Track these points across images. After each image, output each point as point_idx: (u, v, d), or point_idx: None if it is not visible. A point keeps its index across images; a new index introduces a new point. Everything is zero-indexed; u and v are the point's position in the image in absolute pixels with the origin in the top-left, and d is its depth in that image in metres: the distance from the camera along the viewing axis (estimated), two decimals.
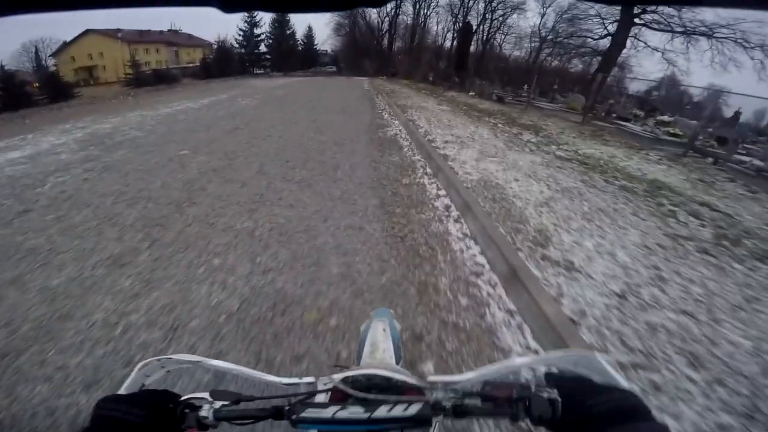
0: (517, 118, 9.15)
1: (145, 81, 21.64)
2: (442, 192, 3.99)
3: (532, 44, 30.15)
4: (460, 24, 31.93)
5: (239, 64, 34.64)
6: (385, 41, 40.82)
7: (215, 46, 33.88)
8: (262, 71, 38.70)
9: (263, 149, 5.78)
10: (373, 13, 39.89)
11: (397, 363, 0.91)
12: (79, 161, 4.93)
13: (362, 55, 39.23)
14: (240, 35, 39.74)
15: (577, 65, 27.47)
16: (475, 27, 30.86)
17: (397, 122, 8.35)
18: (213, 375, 1.45)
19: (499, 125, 7.95)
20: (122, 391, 0.52)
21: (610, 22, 21.80)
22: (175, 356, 0.59)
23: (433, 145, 5.67)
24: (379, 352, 0.88)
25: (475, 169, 4.46)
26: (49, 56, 37.11)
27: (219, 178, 4.25)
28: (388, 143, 6.23)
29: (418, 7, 36.85)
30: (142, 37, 36.86)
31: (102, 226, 3.04)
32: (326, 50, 48.25)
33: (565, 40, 26.02)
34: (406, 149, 5.87)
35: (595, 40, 23.81)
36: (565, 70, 27.13)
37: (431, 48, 35.82)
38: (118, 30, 35.63)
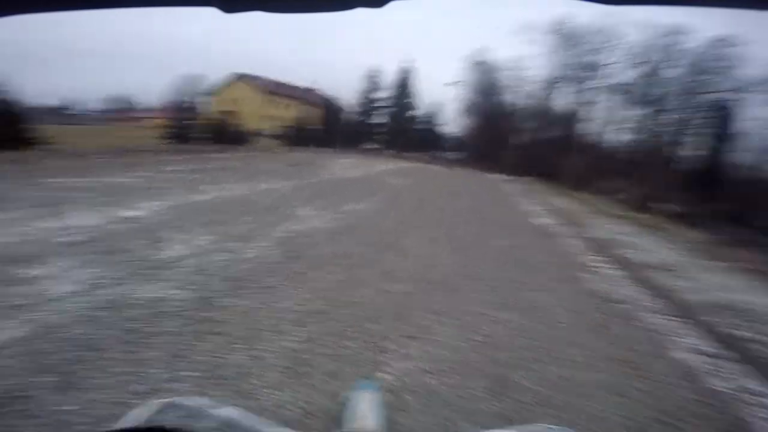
0: None
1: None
2: None
3: None
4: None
5: (349, 133, 30.52)
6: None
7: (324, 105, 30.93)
8: (370, 145, 32.80)
9: None
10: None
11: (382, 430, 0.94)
12: None
13: (500, 142, 28.82)
14: (360, 97, 33.88)
15: None
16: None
17: None
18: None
19: None
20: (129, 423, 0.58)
21: None
22: (184, 403, 0.63)
23: None
24: (365, 421, 0.91)
25: None
26: (204, 94, 41.67)
27: None
28: None
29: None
30: (279, 90, 37.32)
31: None
32: (451, 132, 39.48)
33: None
34: None
35: None
36: None
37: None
38: (257, 77, 36.90)
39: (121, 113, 38.96)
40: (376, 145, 33.27)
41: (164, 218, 6.47)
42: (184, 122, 20.96)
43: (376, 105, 35.61)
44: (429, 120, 37.82)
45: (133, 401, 2.39)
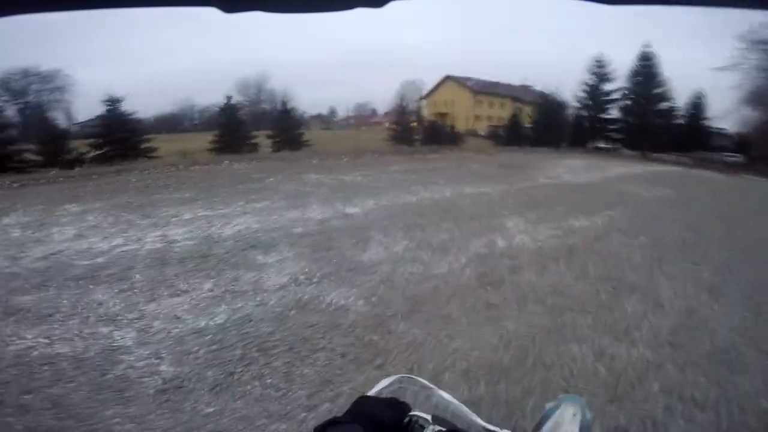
0: None
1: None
2: None
3: None
4: None
5: (572, 130, 26.63)
6: None
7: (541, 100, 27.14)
8: (604, 145, 27.87)
9: None
10: None
11: None
12: None
13: None
14: (586, 89, 28.35)
15: None
16: None
17: None
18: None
19: None
20: (373, 393, 0.76)
21: None
22: (416, 378, 0.85)
23: None
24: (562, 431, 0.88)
25: None
26: (421, 98, 45.07)
27: None
28: None
29: None
30: (490, 89, 35.90)
31: None
32: (724, 128, 29.69)
33: None
34: None
35: None
36: None
37: None
38: (469, 78, 36.28)
39: (362, 119, 46.68)
40: (608, 145, 27.66)
41: (375, 217, 6.74)
42: (405, 125, 22.98)
43: (608, 98, 29.19)
44: (690, 114, 28.88)
45: (259, 423, 2.20)
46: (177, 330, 3.33)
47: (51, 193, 9.61)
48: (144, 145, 16.39)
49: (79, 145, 15.86)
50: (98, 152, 15.69)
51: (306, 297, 3.88)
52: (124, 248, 5.37)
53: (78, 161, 15.29)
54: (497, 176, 12.10)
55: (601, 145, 27.50)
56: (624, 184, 11.51)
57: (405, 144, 21.79)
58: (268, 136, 18.50)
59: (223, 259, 4.88)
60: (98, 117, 16.52)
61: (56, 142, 15.43)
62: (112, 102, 16.41)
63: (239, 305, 3.78)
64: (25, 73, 20.43)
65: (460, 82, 36.84)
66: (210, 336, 3.24)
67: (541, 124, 27.04)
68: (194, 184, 10.33)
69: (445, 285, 4.07)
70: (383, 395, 0.75)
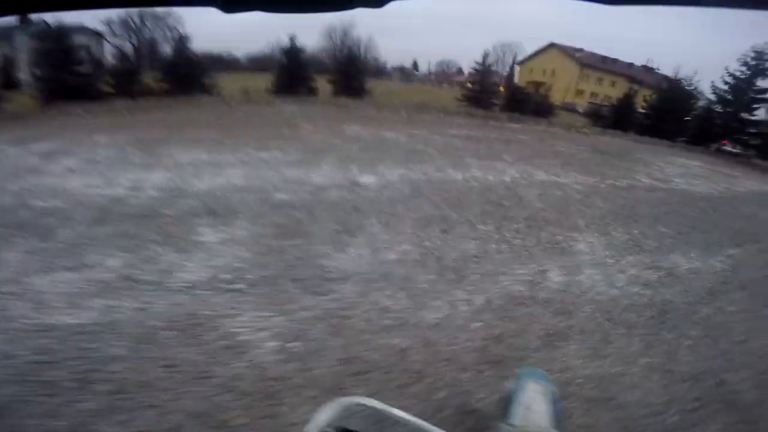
0: None
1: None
2: None
3: None
4: None
5: (699, 126, 21.17)
6: None
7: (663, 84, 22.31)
8: (732, 149, 21.72)
9: None
10: None
11: (555, 428, 0.87)
12: None
13: None
14: (730, 82, 22.19)
15: None
16: None
17: None
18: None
19: None
20: (320, 422, 0.65)
21: None
22: (371, 402, 0.71)
23: None
24: (535, 415, 0.83)
25: None
26: (516, 63, 40.46)
27: None
28: None
29: None
30: (603, 64, 31.87)
31: None
32: None
33: None
34: None
35: None
36: None
37: None
38: (580, 50, 32.59)
39: (444, 75, 43.31)
40: (739, 149, 21.58)
41: (388, 196, 5.14)
42: (486, 86, 19.96)
43: (758, 96, 22.43)
44: None
45: None
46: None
47: (91, 124, 9.52)
48: (207, 81, 16.15)
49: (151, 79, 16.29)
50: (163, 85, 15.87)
51: (203, 317, 2.55)
52: (87, 191, 4.62)
53: (145, 93, 15.57)
54: (586, 163, 9.33)
55: (729, 148, 21.49)
56: (761, 208, 7.96)
57: (481, 107, 18.96)
58: (328, 81, 17.16)
59: (159, 226, 3.76)
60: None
61: (128, 75, 15.87)
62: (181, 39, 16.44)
63: (113, 304, 2.60)
64: (141, 13, 22.21)
65: (568, 52, 32.88)
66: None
67: (659, 111, 22.00)
68: (225, 124, 9.51)
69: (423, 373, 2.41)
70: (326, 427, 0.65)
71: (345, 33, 25.04)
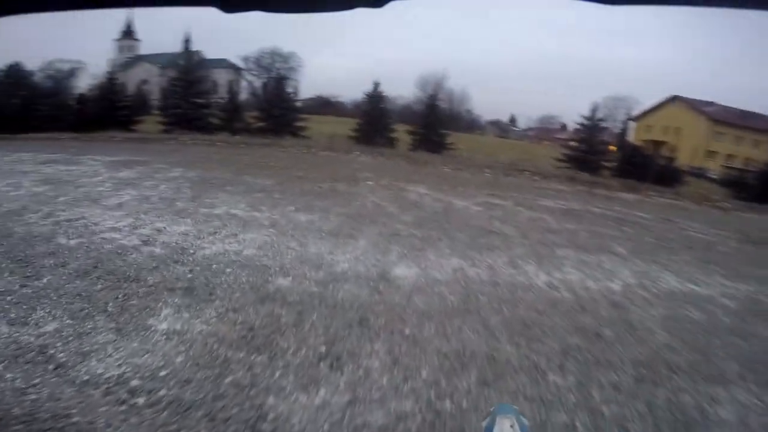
0: None
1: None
2: None
3: None
4: None
5: None
6: None
7: None
8: None
9: None
10: None
11: None
12: None
13: None
14: None
15: None
16: None
17: None
18: None
19: None
20: None
21: None
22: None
23: None
24: None
25: None
26: (630, 119, 35.76)
27: None
28: None
29: None
30: (742, 120, 26.36)
31: None
32: None
33: None
34: None
35: None
36: None
37: None
38: (710, 103, 27.46)
39: (544, 131, 40.59)
40: None
41: (417, 309, 3.45)
42: (593, 145, 17.28)
43: None
44: None
45: None
46: None
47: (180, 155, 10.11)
48: (297, 124, 16.83)
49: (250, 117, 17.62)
50: (260, 124, 16.97)
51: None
52: (108, 234, 4.47)
53: (243, 130, 16.80)
54: (733, 259, 6.50)
55: None
56: None
57: (587, 171, 16.16)
58: (408, 132, 16.44)
59: (127, 295, 3.19)
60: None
61: (233, 111, 17.46)
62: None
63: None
64: (272, 53, 25.25)
65: (695, 106, 28.31)
66: None
67: None
68: (289, 171, 9.12)
69: None
70: None
71: (438, 85, 24.91)
